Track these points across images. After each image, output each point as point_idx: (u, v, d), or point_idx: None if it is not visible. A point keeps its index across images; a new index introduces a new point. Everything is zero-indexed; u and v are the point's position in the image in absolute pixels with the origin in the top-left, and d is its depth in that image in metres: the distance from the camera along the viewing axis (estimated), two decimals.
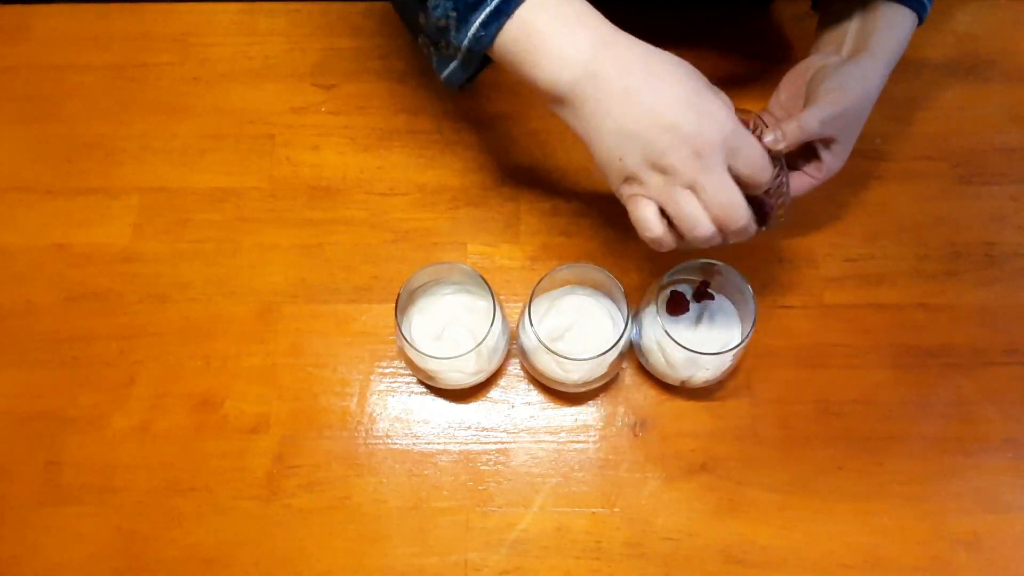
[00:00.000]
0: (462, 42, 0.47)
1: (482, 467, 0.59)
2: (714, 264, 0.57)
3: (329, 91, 0.72)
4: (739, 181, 0.46)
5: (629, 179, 0.47)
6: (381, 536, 0.57)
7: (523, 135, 0.70)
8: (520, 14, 0.46)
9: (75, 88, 0.72)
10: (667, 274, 0.56)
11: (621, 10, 0.49)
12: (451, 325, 0.58)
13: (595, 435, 0.60)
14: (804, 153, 0.57)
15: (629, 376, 0.61)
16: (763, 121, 0.56)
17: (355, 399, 0.61)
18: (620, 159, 0.46)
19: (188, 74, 0.73)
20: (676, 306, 0.58)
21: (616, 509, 0.57)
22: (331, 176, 0.68)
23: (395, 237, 0.66)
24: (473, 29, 0.46)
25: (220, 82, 0.72)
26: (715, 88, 0.47)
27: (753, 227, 0.48)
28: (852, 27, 0.57)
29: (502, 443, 0.60)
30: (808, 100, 0.55)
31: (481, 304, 0.59)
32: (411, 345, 0.54)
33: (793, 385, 0.61)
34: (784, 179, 0.54)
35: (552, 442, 0.60)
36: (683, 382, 0.58)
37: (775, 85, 0.59)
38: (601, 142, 0.47)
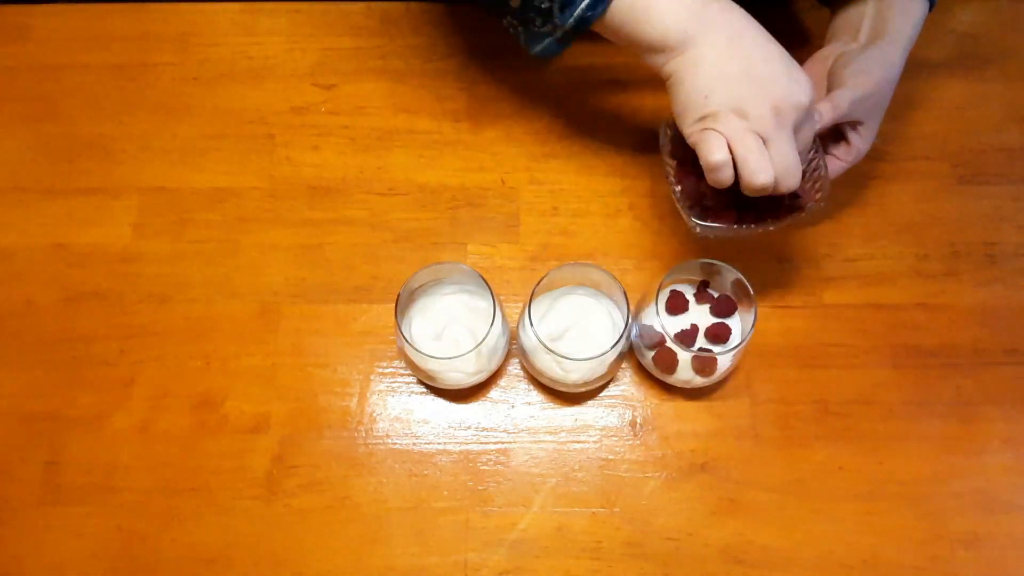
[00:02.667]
0: (567, 21, 0.50)
1: (482, 467, 0.59)
2: (714, 264, 0.57)
3: (329, 91, 0.72)
4: None
5: (705, 117, 0.49)
6: (381, 536, 0.57)
7: (523, 135, 0.70)
8: None
9: (75, 88, 0.72)
10: (667, 274, 0.56)
11: None
12: (451, 325, 0.58)
13: (595, 435, 0.60)
14: (832, 137, 0.59)
15: (629, 376, 0.61)
16: None
17: (355, 399, 0.61)
18: (706, 96, 0.49)
19: (188, 74, 0.73)
20: (676, 306, 0.58)
21: (616, 509, 0.57)
22: (331, 176, 0.68)
23: (395, 237, 0.66)
24: (580, 10, 0.49)
25: (220, 82, 0.72)
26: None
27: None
28: (867, 15, 0.58)
29: (502, 443, 0.60)
30: (832, 86, 0.57)
31: (481, 304, 0.59)
32: (411, 345, 0.54)
33: (793, 385, 0.61)
34: (821, 161, 0.56)
35: (552, 442, 0.60)
36: (683, 382, 0.58)
37: None
38: (693, 79, 0.49)
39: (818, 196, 0.55)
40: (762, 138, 0.49)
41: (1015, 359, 0.61)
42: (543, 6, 0.50)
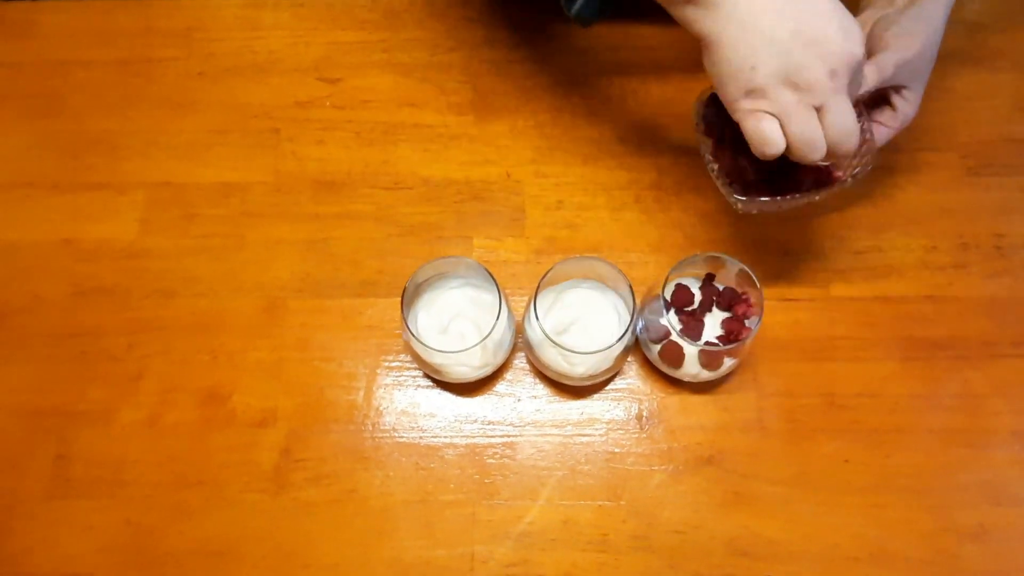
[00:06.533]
0: None
1: (488, 460, 0.59)
2: (720, 257, 0.57)
3: (334, 85, 0.72)
4: None
5: (752, 92, 0.45)
6: (388, 529, 0.57)
7: (528, 128, 0.70)
8: None
9: (81, 83, 0.72)
10: (673, 267, 0.56)
11: None
12: (457, 319, 0.58)
13: (601, 428, 0.60)
14: (876, 103, 0.57)
15: (635, 369, 0.61)
16: None
17: (361, 393, 0.61)
18: (752, 68, 0.44)
19: (193, 69, 0.73)
20: (682, 299, 0.58)
21: (622, 502, 0.57)
22: (336, 170, 0.68)
23: (400, 231, 0.66)
24: None
25: (225, 77, 0.72)
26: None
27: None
28: None
29: (508, 436, 0.60)
30: (873, 50, 0.54)
31: (487, 298, 0.59)
32: (417, 339, 0.55)
33: (800, 378, 0.61)
34: (867, 125, 0.53)
35: (558, 435, 0.60)
36: (690, 376, 0.58)
37: None
38: (735, 47, 0.44)
39: (866, 160, 0.53)
40: (816, 107, 0.45)
41: (1023, 351, 0.61)
42: None
